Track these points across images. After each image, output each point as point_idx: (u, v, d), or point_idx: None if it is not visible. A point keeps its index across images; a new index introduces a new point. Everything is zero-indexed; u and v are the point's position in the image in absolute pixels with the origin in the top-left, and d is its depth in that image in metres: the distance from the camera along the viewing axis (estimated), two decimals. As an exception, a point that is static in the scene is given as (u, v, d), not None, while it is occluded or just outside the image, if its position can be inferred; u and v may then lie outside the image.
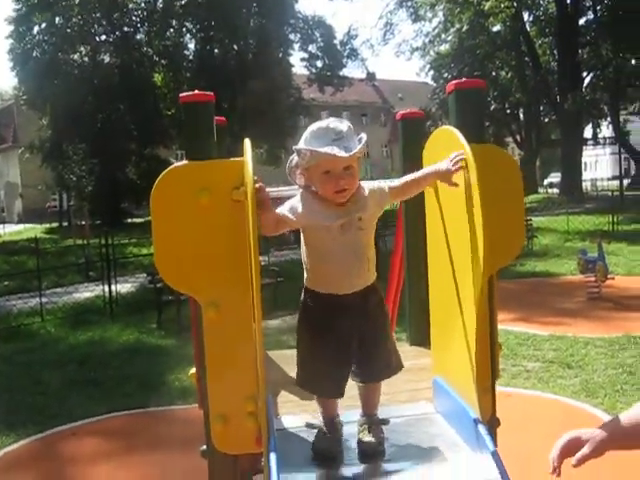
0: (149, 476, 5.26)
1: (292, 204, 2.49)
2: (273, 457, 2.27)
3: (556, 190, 40.11)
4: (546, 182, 49.87)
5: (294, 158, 2.50)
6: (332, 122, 2.45)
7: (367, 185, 2.57)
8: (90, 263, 17.02)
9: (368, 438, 2.55)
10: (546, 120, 42.78)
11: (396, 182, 2.61)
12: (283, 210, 2.48)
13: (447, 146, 2.58)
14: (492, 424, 2.71)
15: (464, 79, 2.87)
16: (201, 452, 2.72)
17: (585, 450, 1.72)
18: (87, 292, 14.68)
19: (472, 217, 2.51)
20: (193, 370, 2.81)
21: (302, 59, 34.44)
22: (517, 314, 9.83)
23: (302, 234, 2.57)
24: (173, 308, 10.93)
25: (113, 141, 31.72)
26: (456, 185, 2.49)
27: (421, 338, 3.70)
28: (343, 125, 2.44)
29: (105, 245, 13.82)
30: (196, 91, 2.63)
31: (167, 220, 2.51)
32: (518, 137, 44.07)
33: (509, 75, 38.73)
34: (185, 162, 2.54)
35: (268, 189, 2.42)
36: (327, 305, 2.53)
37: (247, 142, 2.42)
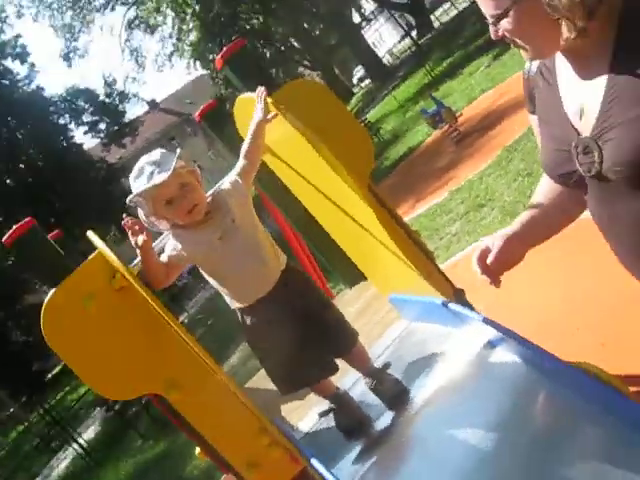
0: None
1: (171, 246, 2.46)
2: (316, 462, 2.27)
3: (368, 80, 41.08)
4: (355, 80, 50.97)
5: (140, 214, 2.46)
6: (143, 159, 2.43)
7: (221, 187, 2.57)
8: (46, 437, 16.25)
9: (385, 385, 2.58)
10: (317, 32, 43.46)
11: (237, 165, 2.61)
12: (167, 254, 2.45)
13: (250, 109, 2.61)
14: (459, 297, 2.79)
15: (225, 48, 2.86)
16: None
17: (493, 250, 1.76)
18: (63, 461, 14.05)
19: (317, 152, 2.56)
20: (197, 450, 2.76)
21: (85, 132, 33.44)
22: (412, 199, 10.09)
23: (199, 269, 2.55)
24: (145, 414, 10.62)
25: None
26: (271, 112, 2.52)
27: (355, 276, 3.74)
28: (154, 155, 2.42)
29: (46, 412, 13.23)
30: (14, 227, 2.51)
31: (72, 347, 2.43)
32: (306, 62, 44.63)
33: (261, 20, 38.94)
34: (52, 291, 2.44)
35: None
36: (259, 311, 2.53)
37: (90, 234, 2.38)
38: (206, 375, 2.47)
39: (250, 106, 2.65)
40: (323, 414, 2.67)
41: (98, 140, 34.96)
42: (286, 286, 2.55)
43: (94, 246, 2.39)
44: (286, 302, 2.53)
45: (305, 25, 37.08)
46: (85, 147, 33.95)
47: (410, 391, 2.53)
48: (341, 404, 2.63)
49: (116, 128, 33.75)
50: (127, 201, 2.43)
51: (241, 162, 2.60)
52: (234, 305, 2.59)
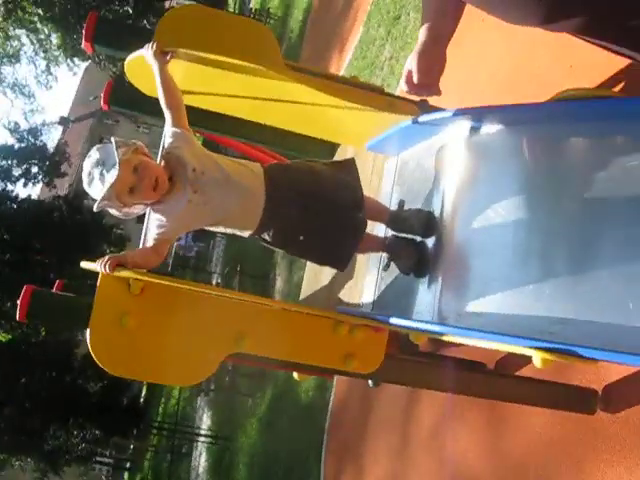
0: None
1: (155, 224, 2.48)
2: (395, 320, 2.34)
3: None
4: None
5: (114, 212, 2.46)
6: (86, 164, 2.40)
7: (166, 146, 2.54)
8: (174, 448, 16.85)
9: (410, 220, 2.62)
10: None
11: (166, 118, 2.57)
12: (153, 235, 2.47)
13: (142, 67, 2.59)
14: (425, 107, 2.77)
15: (83, 31, 2.75)
16: (374, 386, 2.80)
17: (414, 70, 1.77)
18: (201, 457, 14.66)
19: (225, 69, 2.55)
20: (295, 374, 2.85)
21: (24, 185, 32.72)
22: (335, 53, 9.90)
23: (197, 230, 2.62)
24: (239, 376, 10.97)
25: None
26: (167, 54, 2.51)
27: (329, 150, 3.72)
28: (93, 155, 2.39)
29: (159, 429, 13.69)
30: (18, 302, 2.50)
31: (137, 365, 2.51)
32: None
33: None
34: (87, 332, 2.46)
35: None
36: (270, 221, 2.58)
37: (84, 264, 2.48)
38: (262, 312, 2.53)
39: (140, 64, 2.59)
40: (386, 267, 2.74)
41: (40, 184, 34.31)
42: (276, 183, 2.59)
43: (96, 273, 2.41)
44: (285, 194, 2.58)
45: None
46: (34, 196, 33.42)
47: (434, 212, 2.57)
48: (395, 248, 2.69)
49: (47, 163, 33.03)
50: (94, 209, 2.44)
51: (167, 113, 2.57)
52: (248, 234, 2.65)
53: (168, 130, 2.56)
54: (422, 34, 1.74)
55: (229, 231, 2.69)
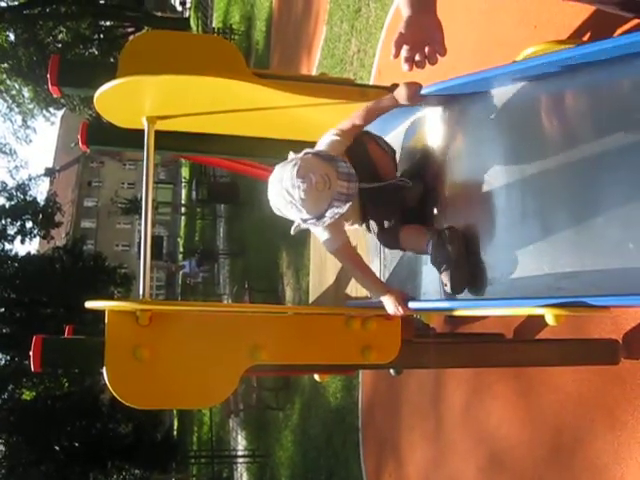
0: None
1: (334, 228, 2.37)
2: (413, 304, 2.31)
3: (187, -2, 39.48)
4: (179, 7, 49.04)
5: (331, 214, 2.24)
6: (289, 181, 2.24)
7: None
8: (216, 475, 16.79)
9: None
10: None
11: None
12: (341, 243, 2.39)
13: (111, 100, 2.62)
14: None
15: (48, 76, 2.75)
16: (396, 374, 2.80)
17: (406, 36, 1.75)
18: (242, 477, 14.65)
19: (187, 84, 2.56)
20: (316, 376, 2.84)
21: (22, 242, 32.73)
22: (304, 55, 9.92)
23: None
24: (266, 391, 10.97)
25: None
26: None
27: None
28: (285, 169, 2.29)
29: (196, 458, 13.57)
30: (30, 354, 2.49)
31: (160, 394, 2.52)
32: (128, 29, 42.80)
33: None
34: (103, 371, 2.46)
35: None
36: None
37: (89, 304, 2.44)
38: (273, 320, 2.53)
39: (109, 97, 2.59)
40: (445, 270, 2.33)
41: (37, 238, 34.29)
42: None
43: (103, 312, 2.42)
44: None
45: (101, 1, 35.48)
46: (34, 251, 33.41)
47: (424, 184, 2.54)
48: (439, 241, 2.31)
49: (41, 216, 32.99)
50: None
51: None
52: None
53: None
54: (405, 6, 1.74)
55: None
